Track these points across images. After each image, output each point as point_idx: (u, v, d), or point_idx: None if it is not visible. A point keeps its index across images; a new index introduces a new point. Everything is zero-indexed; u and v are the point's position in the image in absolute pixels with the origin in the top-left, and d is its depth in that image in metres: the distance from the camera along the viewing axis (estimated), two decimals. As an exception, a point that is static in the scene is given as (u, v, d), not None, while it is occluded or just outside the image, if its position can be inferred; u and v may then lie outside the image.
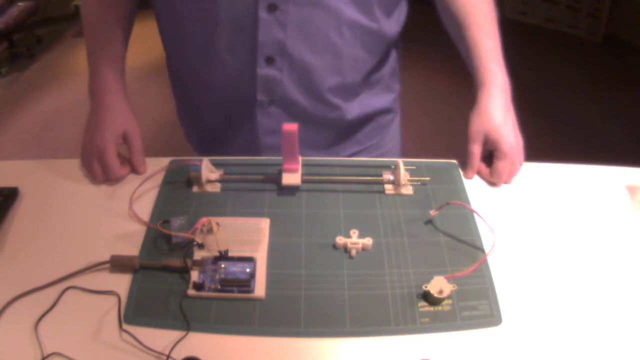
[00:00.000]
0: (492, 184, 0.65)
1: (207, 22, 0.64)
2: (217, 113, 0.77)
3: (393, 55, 0.78)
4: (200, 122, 0.81)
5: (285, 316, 0.49)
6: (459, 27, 0.68)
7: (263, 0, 0.60)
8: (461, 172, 0.66)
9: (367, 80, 0.74)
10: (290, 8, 0.61)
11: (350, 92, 0.75)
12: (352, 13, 0.64)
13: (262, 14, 0.61)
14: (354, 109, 0.75)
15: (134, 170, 0.66)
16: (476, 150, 0.65)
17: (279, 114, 0.72)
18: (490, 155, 0.65)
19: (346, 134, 0.79)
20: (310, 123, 0.73)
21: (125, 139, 0.66)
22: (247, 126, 0.73)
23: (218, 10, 0.62)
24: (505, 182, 0.65)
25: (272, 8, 0.61)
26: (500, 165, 0.64)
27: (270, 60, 0.66)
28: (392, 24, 0.71)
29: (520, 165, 0.66)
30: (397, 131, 0.88)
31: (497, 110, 0.64)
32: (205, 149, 0.84)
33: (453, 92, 2.50)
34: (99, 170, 0.64)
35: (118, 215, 0.59)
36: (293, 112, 0.71)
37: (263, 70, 0.67)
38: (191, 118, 0.83)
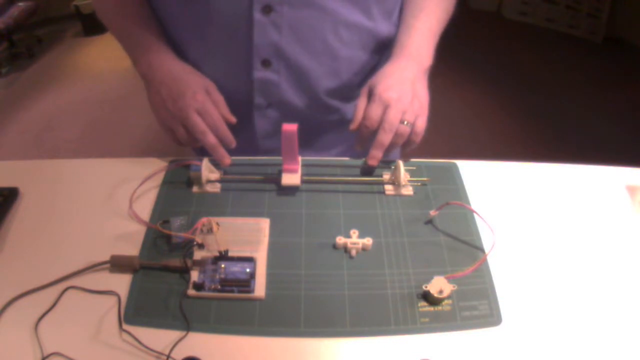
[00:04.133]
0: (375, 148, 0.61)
1: (202, 24, 0.64)
2: None
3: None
4: None
5: (285, 316, 0.49)
6: (406, 7, 0.69)
7: (258, 2, 0.60)
8: (461, 172, 0.66)
9: (366, 81, 0.74)
10: (285, 9, 0.61)
11: (350, 93, 0.74)
12: (349, 13, 0.64)
13: (257, 15, 0.61)
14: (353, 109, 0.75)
15: (226, 121, 0.64)
16: (360, 103, 0.63)
17: (277, 117, 0.72)
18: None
19: (347, 136, 0.79)
20: (310, 125, 0.73)
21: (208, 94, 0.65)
22: (245, 129, 0.73)
23: (212, 12, 0.62)
24: (382, 139, 0.60)
25: (267, 10, 0.61)
26: (369, 108, 0.61)
27: (266, 63, 0.66)
28: (391, 25, 0.70)
29: (408, 121, 0.60)
30: None
31: (389, 68, 0.63)
32: (205, 151, 0.84)
33: (453, 92, 2.50)
34: (184, 133, 0.63)
35: (118, 215, 0.59)
36: (291, 115, 0.71)
37: (259, 73, 0.67)
38: None
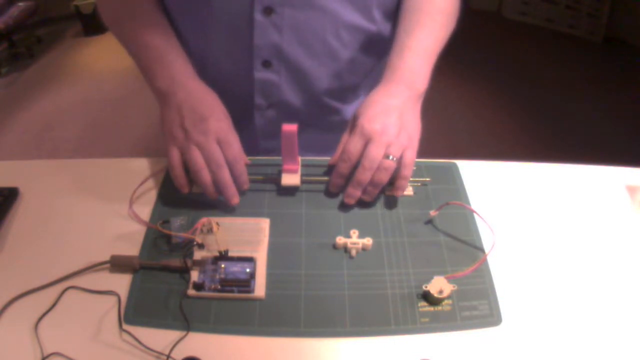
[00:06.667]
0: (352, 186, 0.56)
1: (203, 24, 0.64)
2: None
3: None
4: None
5: (285, 316, 0.49)
6: (400, 24, 0.64)
7: (259, 3, 0.60)
8: (461, 172, 0.66)
9: (367, 82, 0.74)
10: (286, 11, 0.61)
11: (350, 94, 0.74)
12: (349, 15, 0.63)
13: (258, 17, 0.61)
14: (355, 110, 0.75)
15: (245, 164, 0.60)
16: (344, 136, 0.59)
17: (277, 117, 0.72)
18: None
19: None
20: (310, 127, 0.73)
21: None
22: (246, 130, 0.73)
23: (213, 13, 0.62)
24: (360, 177, 0.55)
25: (268, 11, 0.61)
26: (349, 142, 0.55)
27: (267, 64, 0.66)
28: (392, 27, 0.70)
29: (394, 155, 0.55)
30: None
31: (376, 95, 0.58)
32: None
33: (453, 92, 2.50)
34: (197, 159, 0.56)
35: (118, 215, 0.59)
36: (291, 115, 0.71)
37: (260, 73, 0.67)
38: None
